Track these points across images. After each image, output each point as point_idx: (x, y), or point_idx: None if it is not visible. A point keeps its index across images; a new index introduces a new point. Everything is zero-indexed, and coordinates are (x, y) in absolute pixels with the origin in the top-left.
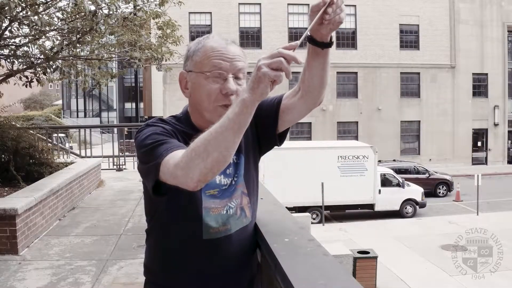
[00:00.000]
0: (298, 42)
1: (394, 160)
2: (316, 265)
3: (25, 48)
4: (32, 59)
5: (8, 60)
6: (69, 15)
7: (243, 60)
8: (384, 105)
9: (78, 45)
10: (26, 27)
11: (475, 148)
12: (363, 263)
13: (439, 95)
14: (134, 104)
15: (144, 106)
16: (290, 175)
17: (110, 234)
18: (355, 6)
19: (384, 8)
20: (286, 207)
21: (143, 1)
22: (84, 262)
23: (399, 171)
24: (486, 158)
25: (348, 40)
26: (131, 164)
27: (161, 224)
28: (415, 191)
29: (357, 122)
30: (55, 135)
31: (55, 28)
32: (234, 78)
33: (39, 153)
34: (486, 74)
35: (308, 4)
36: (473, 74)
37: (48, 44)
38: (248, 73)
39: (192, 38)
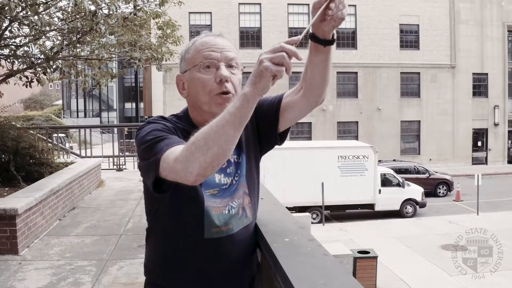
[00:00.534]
0: (300, 36)
1: (394, 160)
2: (316, 265)
3: (25, 48)
4: (32, 59)
5: (8, 60)
6: (69, 15)
7: (234, 51)
8: (384, 105)
9: (78, 45)
10: (26, 27)
11: (475, 148)
12: (363, 263)
13: (439, 95)
14: (134, 104)
15: (144, 106)
16: (290, 175)
17: (110, 234)
18: (355, 6)
19: (384, 8)
20: (286, 207)
21: (143, 1)
22: (84, 262)
23: (399, 171)
24: (486, 158)
25: (348, 40)
26: (131, 164)
27: (162, 223)
28: (415, 191)
29: (357, 122)
30: (55, 135)
31: (55, 28)
32: (226, 67)
33: (39, 153)
34: (486, 74)
35: (308, 4)
36: (473, 74)
37: (48, 44)
38: (248, 72)
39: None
